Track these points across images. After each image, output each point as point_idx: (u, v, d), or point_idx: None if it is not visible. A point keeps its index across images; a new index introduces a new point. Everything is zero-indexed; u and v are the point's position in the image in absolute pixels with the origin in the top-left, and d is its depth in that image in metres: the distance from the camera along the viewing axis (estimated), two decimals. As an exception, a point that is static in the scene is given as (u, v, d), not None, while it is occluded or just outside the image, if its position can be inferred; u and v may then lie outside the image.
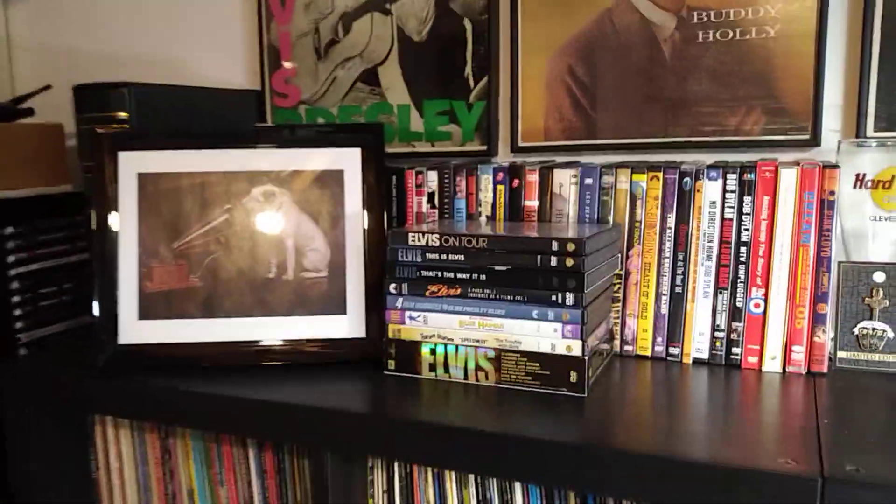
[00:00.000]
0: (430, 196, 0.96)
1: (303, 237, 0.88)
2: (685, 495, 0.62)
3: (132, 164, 0.88)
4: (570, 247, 0.75)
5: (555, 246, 0.75)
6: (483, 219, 0.94)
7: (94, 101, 0.96)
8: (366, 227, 0.89)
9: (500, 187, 0.93)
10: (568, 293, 0.75)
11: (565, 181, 0.90)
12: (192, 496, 0.91)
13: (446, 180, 0.95)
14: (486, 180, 0.94)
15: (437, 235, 0.80)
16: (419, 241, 0.81)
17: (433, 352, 0.81)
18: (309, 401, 0.77)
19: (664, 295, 0.88)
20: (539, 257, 0.76)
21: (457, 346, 0.80)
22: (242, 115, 1.19)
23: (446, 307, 0.80)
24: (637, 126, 1.00)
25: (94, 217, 0.87)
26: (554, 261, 0.76)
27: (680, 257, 0.86)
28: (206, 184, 0.88)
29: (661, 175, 0.86)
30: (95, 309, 0.86)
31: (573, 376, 0.76)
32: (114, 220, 0.88)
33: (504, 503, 0.76)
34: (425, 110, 1.11)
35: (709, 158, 0.97)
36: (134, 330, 0.87)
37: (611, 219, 0.89)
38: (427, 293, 0.81)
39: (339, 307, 0.88)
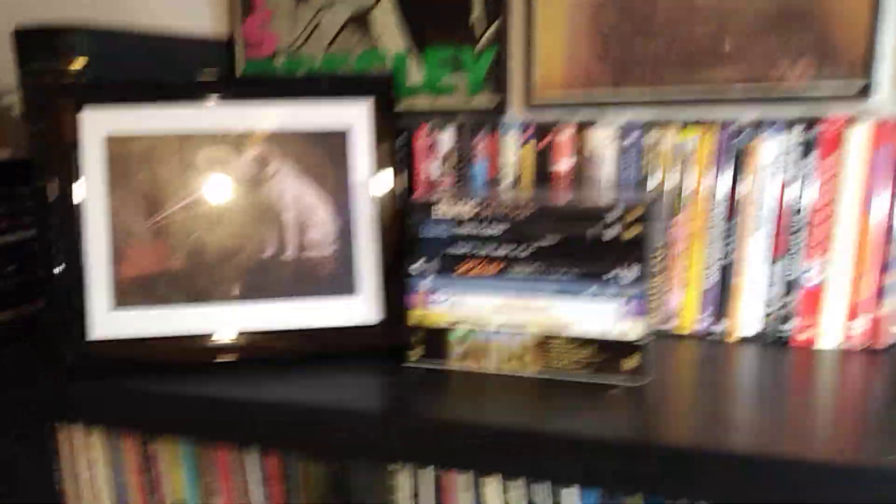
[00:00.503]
0: (444, 159, 0.84)
1: (304, 209, 0.75)
2: (794, 495, 0.53)
3: (98, 124, 0.73)
4: (634, 214, 0.64)
5: (616, 213, 0.65)
6: (506, 184, 0.83)
7: (42, 48, 0.79)
8: (377, 195, 0.76)
9: (527, 148, 0.82)
10: (629, 268, 0.65)
11: (602, 140, 0.79)
12: (180, 508, 0.79)
13: (463, 140, 0.83)
14: (511, 140, 0.82)
15: (471, 205, 0.68)
16: (448, 212, 0.69)
17: (465, 339, 0.70)
18: (318, 400, 0.65)
19: (711, 266, 0.78)
20: (596, 227, 0.65)
21: (493, 333, 0.69)
22: (209, 68, 1.03)
23: (482, 288, 0.69)
24: (669, 78, 0.89)
25: (52, 189, 0.72)
26: (611, 232, 0.65)
27: (730, 225, 0.77)
28: (188, 147, 0.74)
29: (713, 133, 0.76)
30: (58, 297, 0.72)
31: (630, 363, 0.66)
32: (78, 191, 0.72)
33: (555, 509, 0.67)
34: (427, 59, 0.98)
35: (748, 114, 0.87)
36: (107, 322, 0.73)
37: (655, 182, 0.79)
38: (458, 272, 0.69)
39: (348, 290, 0.76)
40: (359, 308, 0.76)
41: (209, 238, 0.74)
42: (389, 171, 0.77)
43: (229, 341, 0.74)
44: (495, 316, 0.69)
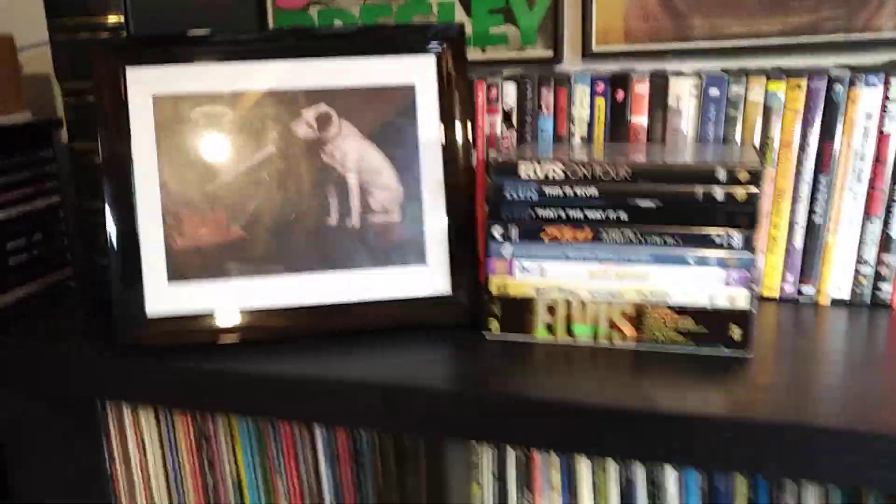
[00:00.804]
0: (507, 114, 0.78)
1: (368, 171, 0.69)
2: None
3: (145, 84, 0.66)
4: (743, 175, 0.59)
5: (722, 174, 0.59)
6: (577, 140, 0.77)
7: (75, 2, 0.72)
8: (446, 156, 0.70)
9: (600, 101, 0.76)
10: (736, 232, 0.60)
11: (683, 92, 0.73)
12: (240, 488, 0.74)
13: (528, 94, 0.77)
14: (582, 92, 0.76)
15: (560, 165, 0.63)
16: (535, 172, 0.63)
17: (552, 310, 0.65)
18: (392, 376, 0.60)
19: (798, 225, 0.73)
20: (700, 189, 0.60)
21: (584, 302, 0.64)
22: (237, 21, 0.95)
23: (572, 254, 0.64)
24: (739, 26, 0.83)
25: (100, 155, 0.65)
26: (720, 193, 0.60)
27: (822, 181, 0.72)
28: (242, 107, 0.67)
29: (804, 83, 0.70)
30: (113, 269, 0.66)
31: (736, 332, 0.61)
32: (125, 157, 0.66)
33: (652, 486, 0.63)
34: (474, 7, 0.91)
35: (825, 62, 0.82)
36: (163, 296, 0.67)
37: (738, 137, 0.73)
38: (546, 238, 0.64)
39: (419, 258, 0.70)
40: (431, 277, 0.70)
41: (269, 205, 0.68)
42: (458, 130, 0.70)
43: (296, 316, 0.68)
44: (587, 284, 0.64)
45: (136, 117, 0.66)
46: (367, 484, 0.70)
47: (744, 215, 0.60)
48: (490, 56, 0.91)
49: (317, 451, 0.70)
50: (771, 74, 0.71)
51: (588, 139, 0.77)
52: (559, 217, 0.63)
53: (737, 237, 0.60)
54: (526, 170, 0.63)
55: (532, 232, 0.64)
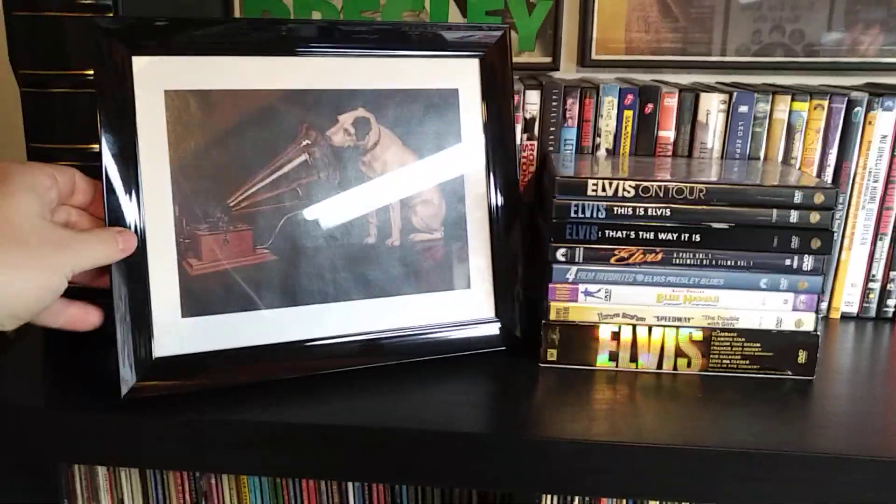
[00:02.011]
0: (529, 123, 0.73)
1: (408, 184, 0.61)
2: None
3: (155, 77, 0.54)
4: (819, 198, 0.58)
5: (798, 197, 0.57)
6: (602, 153, 0.73)
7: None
8: (490, 167, 0.64)
9: (628, 113, 0.72)
10: (808, 256, 0.59)
11: (713, 108, 0.71)
12: (245, 551, 0.64)
13: (554, 103, 0.72)
14: (610, 103, 0.72)
15: (632, 183, 0.58)
16: (604, 189, 0.58)
17: (616, 336, 0.61)
18: (437, 420, 0.54)
19: (811, 243, 0.74)
20: (776, 212, 0.58)
21: (650, 328, 0.61)
22: (201, 7, 0.82)
23: (640, 278, 0.60)
24: (740, 43, 0.83)
25: (104, 163, 0.52)
26: (795, 216, 0.58)
27: (839, 199, 0.73)
28: (272, 108, 0.56)
29: (825, 103, 0.71)
30: (115, 303, 0.53)
31: (802, 356, 0.60)
32: (130, 164, 0.53)
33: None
34: (470, 8, 0.85)
35: (812, 81, 0.84)
36: (176, 333, 0.55)
37: (762, 154, 0.72)
38: (613, 260, 0.59)
39: (462, 281, 0.63)
40: (474, 301, 0.63)
41: (304, 222, 0.58)
42: (504, 140, 0.64)
43: (326, 350, 0.59)
44: (653, 309, 0.60)
45: (145, 117, 0.53)
46: (407, 536, 0.62)
47: (818, 239, 0.58)
48: (489, 60, 0.85)
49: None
50: (796, 94, 0.71)
51: (613, 151, 0.73)
52: (628, 237, 0.59)
53: (808, 261, 0.59)
54: (595, 187, 0.58)
55: (598, 253, 0.60)
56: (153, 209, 0.54)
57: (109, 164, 0.52)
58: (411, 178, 0.61)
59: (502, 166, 0.64)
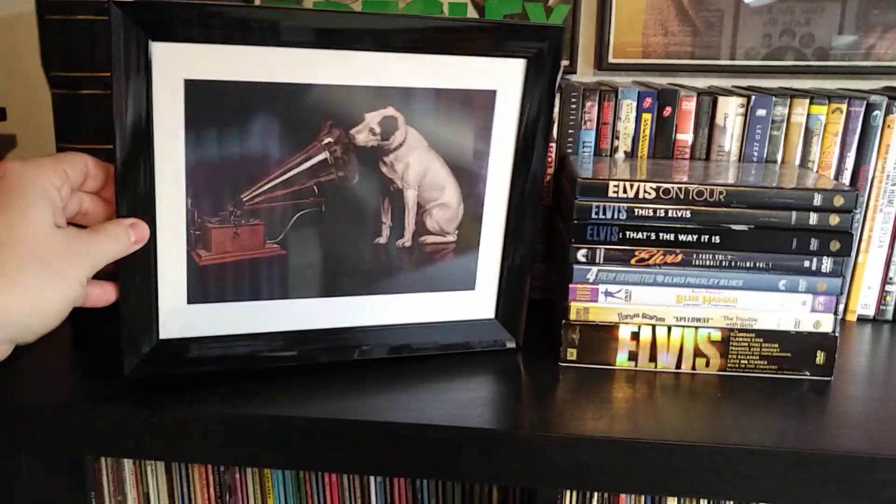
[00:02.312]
0: (550, 125, 0.73)
1: (430, 187, 0.62)
2: None
3: (175, 65, 0.53)
4: (838, 200, 0.58)
5: (817, 199, 0.58)
6: (620, 155, 0.74)
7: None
8: (516, 175, 0.63)
9: (646, 116, 0.73)
10: (827, 258, 0.59)
11: (730, 111, 0.72)
12: (268, 546, 0.65)
13: (573, 106, 0.73)
14: (629, 106, 0.73)
15: (653, 185, 0.59)
16: (625, 191, 0.59)
17: (636, 336, 0.62)
18: (456, 415, 0.55)
19: (828, 245, 0.75)
20: (795, 214, 0.59)
21: (669, 328, 0.61)
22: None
23: (660, 279, 0.61)
24: (749, 47, 0.84)
25: (118, 152, 0.53)
26: (814, 218, 0.59)
27: (858, 201, 0.73)
28: (295, 103, 0.57)
29: (844, 107, 0.72)
30: (122, 289, 0.54)
31: (820, 357, 0.61)
32: (144, 154, 0.53)
33: (741, 517, 0.61)
34: (488, 10, 0.86)
35: (826, 85, 0.85)
36: (182, 319, 0.57)
37: (779, 157, 0.73)
38: (634, 261, 0.60)
39: (467, 283, 0.65)
40: (477, 302, 0.65)
41: (313, 219, 0.59)
42: (538, 147, 0.63)
43: (330, 339, 0.61)
44: (673, 310, 0.61)
45: (161, 104, 0.53)
46: (427, 532, 0.63)
47: (837, 241, 0.59)
48: (507, 63, 0.86)
49: (369, 501, 0.62)
50: (814, 97, 0.72)
51: (631, 154, 0.74)
52: (649, 239, 0.60)
53: (828, 263, 0.59)
54: (616, 189, 0.59)
55: (619, 254, 0.60)
56: (166, 199, 0.54)
57: (122, 153, 0.52)
58: (433, 181, 0.62)
59: (529, 175, 0.63)
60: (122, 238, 0.50)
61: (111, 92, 0.51)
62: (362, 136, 0.59)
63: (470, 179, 0.63)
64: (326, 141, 0.58)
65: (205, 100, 0.54)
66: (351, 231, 0.60)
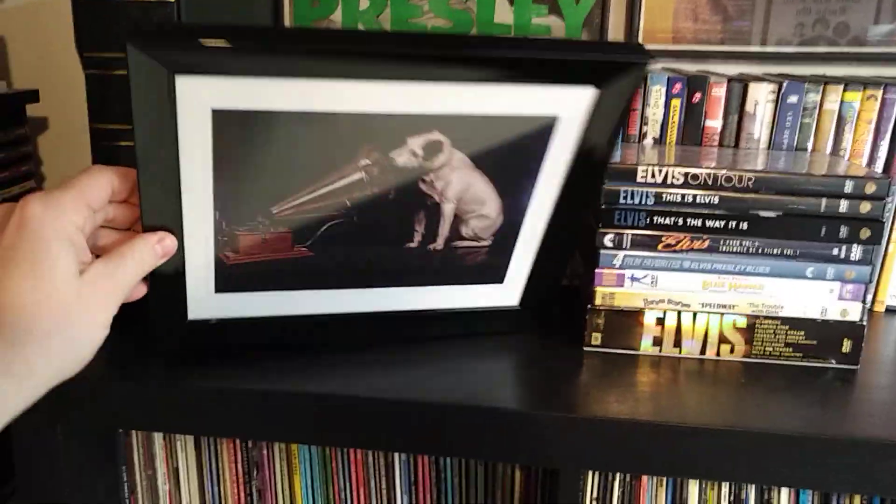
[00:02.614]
0: (578, 110, 0.74)
1: (470, 202, 0.60)
2: None
3: (201, 96, 0.49)
4: (870, 187, 0.59)
5: (848, 186, 0.58)
6: (649, 141, 0.74)
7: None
8: (564, 196, 0.61)
9: (675, 102, 0.73)
10: (856, 246, 0.60)
11: (761, 98, 0.72)
12: (294, 520, 0.67)
13: (603, 91, 0.73)
14: (658, 92, 0.73)
15: (682, 170, 0.60)
16: (653, 176, 0.60)
17: (661, 321, 0.62)
18: (475, 393, 0.56)
19: (858, 235, 0.75)
20: (825, 201, 0.59)
21: (695, 314, 0.62)
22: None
23: (687, 264, 0.61)
24: (781, 36, 0.84)
25: (141, 177, 0.50)
26: (844, 205, 0.59)
27: (891, 189, 0.73)
28: (331, 129, 0.53)
29: (879, 94, 0.71)
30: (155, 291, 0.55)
31: (846, 345, 0.61)
32: (170, 179, 0.51)
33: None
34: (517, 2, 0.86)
35: (859, 72, 0.84)
36: (210, 303, 0.58)
37: (809, 145, 0.73)
38: (661, 246, 0.61)
39: (496, 278, 0.65)
40: (503, 293, 0.66)
41: (344, 228, 0.58)
42: (590, 173, 0.59)
43: (354, 322, 0.63)
44: (699, 296, 0.62)
45: (188, 136, 0.51)
46: (450, 511, 0.65)
47: (867, 228, 0.59)
48: (536, 47, 0.87)
49: (393, 479, 0.64)
50: (848, 84, 0.72)
51: (660, 140, 0.74)
52: (677, 224, 0.61)
53: (857, 251, 0.60)
54: (644, 174, 0.60)
55: (646, 240, 0.61)
56: (193, 214, 0.53)
57: (145, 178, 0.50)
58: (474, 195, 0.59)
59: (578, 200, 0.61)
60: (149, 259, 0.48)
61: (133, 120, 0.48)
62: (403, 159, 0.56)
63: (514, 194, 0.60)
64: (364, 163, 0.56)
65: (234, 129, 0.51)
66: (381, 237, 0.60)
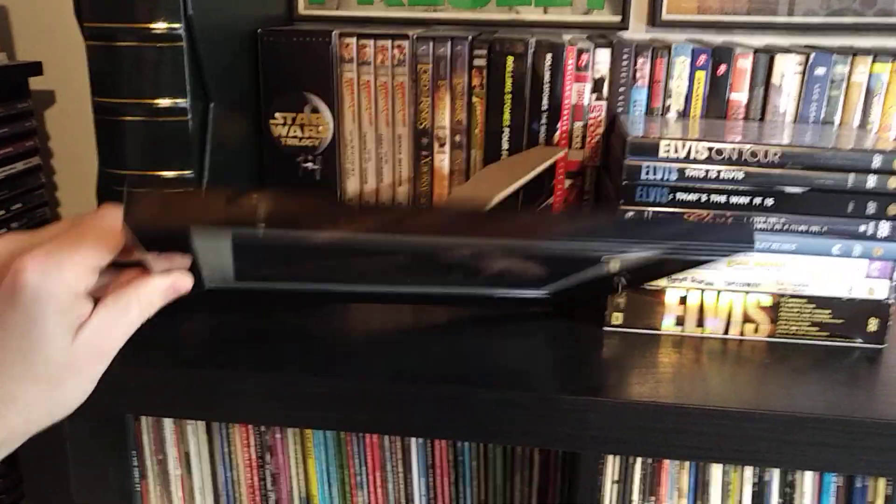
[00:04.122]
0: (598, 83, 0.76)
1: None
2: None
3: None
4: (899, 162, 0.60)
5: (877, 161, 0.61)
6: (673, 115, 0.76)
7: None
8: None
9: (700, 74, 0.75)
10: (884, 223, 0.62)
11: (788, 70, 0.74)
12: (308, 505, 0.69)
13: (624, 63, 0.75)
14: (682, 63, 0.75)
15: (706, 144, 0.62)
16: (677, 151, 0.62)
17: (684, 300, 0.65)
18: (508, 380, 0.59)
19: (887, 212, 0.77)
20: (852, 176, 0.61)
21: (718, 292, 0.64)
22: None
23: (711, 242, 0.63)
24: (807, 8, 0.86)
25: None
26: (872, 180, 0.61)
27: (916, 167, 0.75)
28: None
29: (907, 66, 0.73)
30: None
31: (873, 324, 0.64)
32: None
33: (787, 487, 0.64)
34: (531, -36, 0.88)
35: (889, 43, 0.86)
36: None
37: (836, 119, 0.75)
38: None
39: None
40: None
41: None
42: None
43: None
44: (723, 274, 0.64)
45: None
46: (467, 495, 0.68)
47: (895, 205, 0.61)
48: (552, 18, 0.89)
49: (410, 462, 0.67)
50: (877, 55, 0.74)
51: (684, 114, 0.76)
52: (700, 201, 0.63)
53: (885, 227, 0.62)
54: (667, 149, 0.62)
55: (668, 217, 0.63)
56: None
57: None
58: None
59: None
60: (158, 302, 0.45)
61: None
62: None
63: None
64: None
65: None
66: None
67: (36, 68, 0.81)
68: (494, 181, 0.69)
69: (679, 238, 0.54)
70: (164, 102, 0.67)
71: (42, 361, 0.41)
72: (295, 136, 0.80)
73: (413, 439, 0.66)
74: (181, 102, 0.67)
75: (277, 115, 0.80)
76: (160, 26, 0.65)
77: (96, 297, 0.43)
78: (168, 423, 0.69)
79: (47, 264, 0.40)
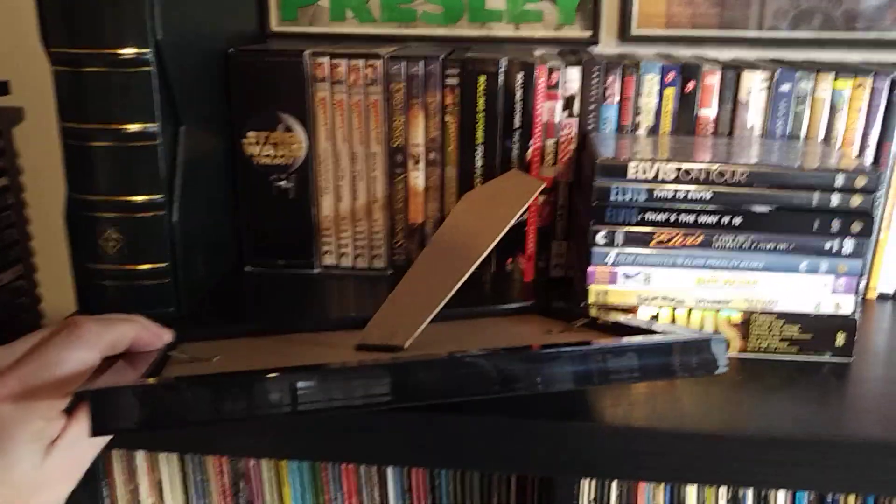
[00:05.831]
0: (569, 101, 0.78)
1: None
2: None
3: None
4: (861, 181, 0.63)
5: (839, 180, 0.63)
6: (642, 132, 0.79)
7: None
8: None
9: (669, 91, 0.78)
10: (848, 240, 0.64)
11: (755, 87, 0.77)
12: (284, 532, 0.70)
13: (594, 80, 0.77)
14: (651, 81, 0.77)
15: (674, 165, 0.64)
16: (645, 172, 0.64)
17: (655, 318, 0.67)
18: (481, 404, 0.59)
19: (854, 225, 0.80)
20: (817, 195, 0.64)
21: (689, 311, 0.67)
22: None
23: (681, 261, 0.66)
24: (777, 7, 0.88)
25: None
26: (836, 199, 0.64)
27: (881, 182, 0.78)
28: None
29: (868, 83, 0.76)
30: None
31: (840, 338, 0.66)
32: None
33: (761, 502, 0.67)
34: (504, -19, 0.90)
35: (855, 58, 0.89)
36: None
37: (802, 134, 0.78)
38: (653, 243, 0.65)
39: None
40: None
41: None
42: None
43: None
44: (693, 292, 0.66)
45: None
46: (445, 518, 0.69)
47: (859, 222, 0.64)
48: (523, 34, 0.91)
49: (386, 488, 0.68)
50: (839, 72, 0.76)
51: (654, 130, 0.79)
52: (669, 221, 0.65)
53: (849, 244, 0.64)
54: (635, 170, 0.64)
55: (638, 237, 0.65)
56: None
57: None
58: None
59: None
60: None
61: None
62: None
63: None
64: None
65: None
66: None
67: (2, 88, 0.81)
68: (472, 231, 0.67)
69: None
70: (133, 127, 0.68)
71: (12, 481, 0.42)
72: (268, 155, 0.81)
73: (390, 468, 0.68)
74: (151, 127, 0.68)
75: (250, 134, 0.81)
76: (129, 52, 0.66)
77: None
78: (139, 452, 0.70)
79: (20, 399, 0.42)
